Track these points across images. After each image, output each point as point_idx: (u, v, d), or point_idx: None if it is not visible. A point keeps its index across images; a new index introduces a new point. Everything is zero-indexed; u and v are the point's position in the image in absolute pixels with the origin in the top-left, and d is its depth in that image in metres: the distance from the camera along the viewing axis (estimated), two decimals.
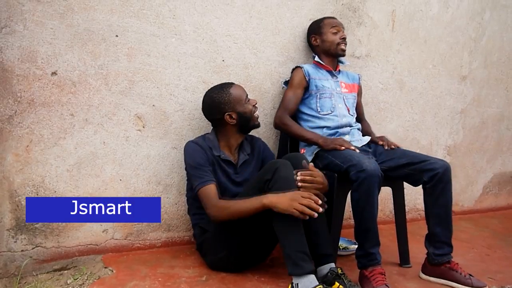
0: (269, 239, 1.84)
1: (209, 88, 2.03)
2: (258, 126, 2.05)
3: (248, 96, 2.01)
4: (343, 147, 1.98)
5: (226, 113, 1.93)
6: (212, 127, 2.05)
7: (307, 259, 1.60)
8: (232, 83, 2.00)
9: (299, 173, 1.72)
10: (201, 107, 2.15)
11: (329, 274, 1.71)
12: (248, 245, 1.81)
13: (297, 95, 2.23)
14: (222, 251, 1.83)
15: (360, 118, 2.43)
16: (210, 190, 1.79)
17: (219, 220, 1.75)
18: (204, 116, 2.17)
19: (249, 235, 1.77)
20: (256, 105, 2.03)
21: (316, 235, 1.76)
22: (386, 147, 2.11)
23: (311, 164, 1.81)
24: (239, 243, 1.79)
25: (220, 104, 1.93)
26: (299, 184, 1.69)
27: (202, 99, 2.15)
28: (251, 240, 1.79)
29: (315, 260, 1.72)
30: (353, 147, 2.00)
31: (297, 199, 1.59)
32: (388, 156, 2.09)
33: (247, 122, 1.98)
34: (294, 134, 2.17)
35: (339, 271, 1.72)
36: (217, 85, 2.02)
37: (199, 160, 1.85)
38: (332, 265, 1.76)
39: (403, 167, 2.02)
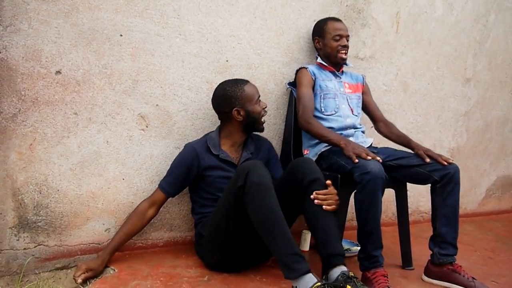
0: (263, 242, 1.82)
1: (222, 81, 2.04)
2: (261, 130, 2.06)
3: (260, 99, 2.02)
4: (357, 160, 1.84)
5: (235, 108, 1.93)
6: (219, 122, 2.06)
7: (299, 260, 1.57)
8: (247, 81, 2.01)
9: (314, 193, 1.74)
10: (204, 107, 2.16)
11: (340, 277, 1.65)
12: (241, 247, 1.80)
13: (311, 93, 2.21)
14: (215, 254, 1.84)
15: (377, 119, 2.39)
16: (159, 195, 1.94)
17: None
18: (207, 116, 2.18)
19: (241, 238, 1.76)
20: (265, 109, 2.03)
21: (324, 232, 1.73)
22: (445, 163, 1.96)
23: (329, 182, 1.79)
24: (232, 246, 1.78)
25: (231, 98, 1.94)
26: (315, 201, 1.74)
27: (204, 99, 2.16)
28: (243, 243, 1.78)
29: (324, 260, 1.70)
30: (369, 158, 1.84)
31: None
32: (398, 154, 2.09)
33: (253, 122, 1.99)
34: (317, 133, 2.08)
35: (351, 274, 1.65)
36: (232, 79, 2.03)
37: (178, 169, 1.94)
38: (343, 268, 1.68)
39: (414, 167, 2.02)
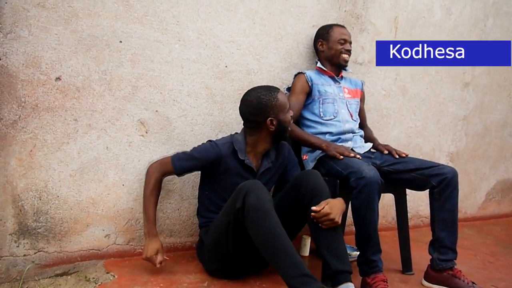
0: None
1: (252, 88, 1.97)
2: (287, 139, 2.04)
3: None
4: (341, 157, 1.97)
5: (269, 118, 1.88)
6: (244, 127, 1.99)
7: (307, 281, 1.53)
8: (278, 88, 1.95)
9: (312, 213, 1.69)
10: (203, 112, 2.16)
11: None
12: (240, 258, 1.79)
13: (300, 101, 2.23)
14: (215, 263, 1.84)
15: (362, 124, 2.44)
16: (169, 169, 1.90)
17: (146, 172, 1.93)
18: (206, 122, 2.19)
19: (241, 250, 1.75)
20: (293, 117, 2.00)
21: (328, 250, 1.70)
22: (397, 156, 2.11)
23: (315, 208, 1.69)
24: (231, 257, 1.78)
25: (266, 107, 1.87)
26: (314, 219, 1.70)
27: (204, 104, 2.16)
28: (243, 254, 1.77)
29: (330, 277, 1.68)
30: (352, 154, 1.99)
31: None
32: (396, 159, 2.11)
33: (283, 131, 1.94)
34: (298, 139, 2.16)
35: None
36: (262, 86, 1.96)
37: (197, 161, 1.89)
38: (350, 285, 1.65)
39: (411, 172, 2.04)
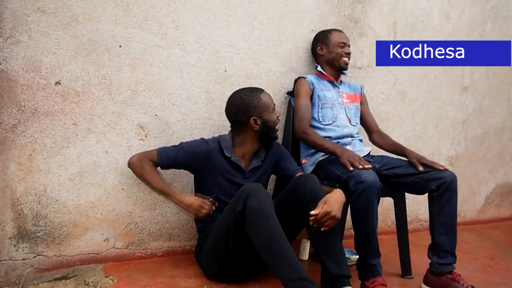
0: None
1: (236, 90, 2.00)
2: (276, 138, 2.04)
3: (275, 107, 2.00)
4: (351, 168, 1.86)
5: (252, 118, 1.91)
6: (231, 128, 2.02)
7: (306, 284, 1.53)
8: (262, 89, 1.98)
9: (311, 218, 1.67)
10: (203, 116, 2.17)
11: None
12: (240, 262, 1.79)
13: (309, 104, 2.23)
14: (214, 267, 1.84)
15: (372, 130, 2.42)
16: (155, 161, 1.87)
17: (129, 166, 1.89)
18: (205, 126, 2.19)
19: (241, 254, 1.75)
20: (279, 118, 2.01)
21: (326, 255, 1.71)
22: (441, 168, 1.99)
23: (313, 212, 1.66)
24: (231, 261, 1.78)
25: (248, 107, 1.91)
26: (314, 224, 1.68)
27: (203, 109, 2.17)
28: (243, 258, 1.77)
29: (330, 282, 1.68)
30: (361, 166, 1.87)
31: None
32: (395, 163, 2.10)
33: (269, 131, 1.96)
34: (314, 143, 2.12)
35: None
36: (247, 88, 2.00)
37: (184, 154, 1.89)
38: None
39: (410, 176, 2.04)
